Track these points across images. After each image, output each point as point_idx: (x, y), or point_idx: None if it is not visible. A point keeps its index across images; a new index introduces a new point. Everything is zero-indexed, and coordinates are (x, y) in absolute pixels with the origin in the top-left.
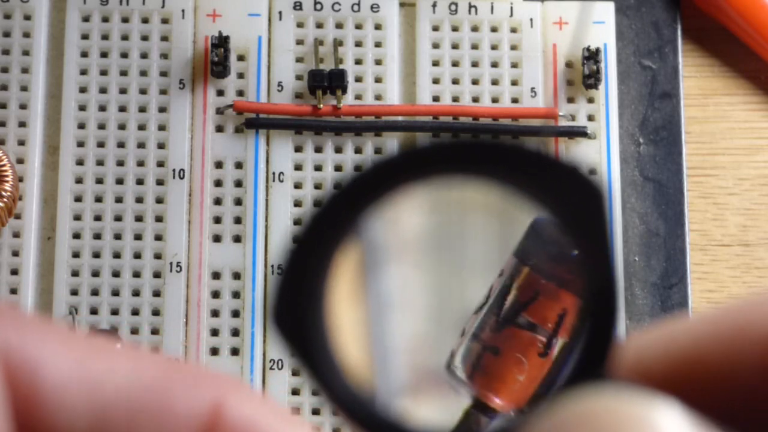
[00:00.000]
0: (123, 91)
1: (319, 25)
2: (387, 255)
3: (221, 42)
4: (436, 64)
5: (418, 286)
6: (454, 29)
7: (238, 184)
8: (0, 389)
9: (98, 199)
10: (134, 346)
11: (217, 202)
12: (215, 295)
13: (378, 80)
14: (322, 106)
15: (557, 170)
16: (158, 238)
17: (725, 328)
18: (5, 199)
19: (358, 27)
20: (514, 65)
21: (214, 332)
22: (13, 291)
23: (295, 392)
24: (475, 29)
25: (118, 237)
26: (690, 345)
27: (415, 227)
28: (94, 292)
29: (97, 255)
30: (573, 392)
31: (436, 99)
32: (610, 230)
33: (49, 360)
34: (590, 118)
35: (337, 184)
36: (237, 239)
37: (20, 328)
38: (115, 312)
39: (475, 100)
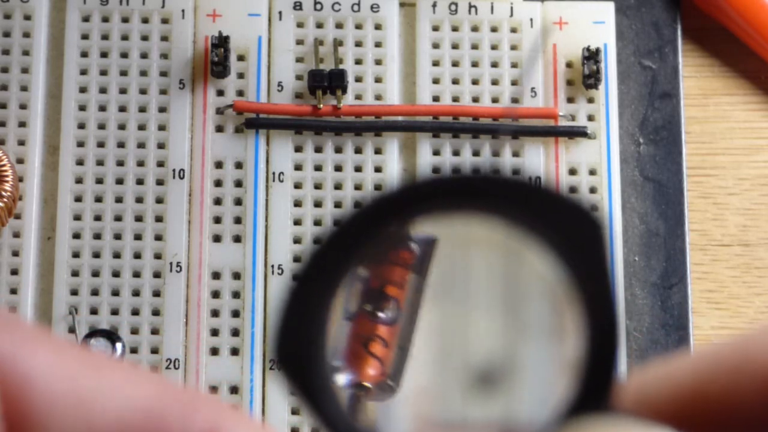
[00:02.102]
0: (123, 91)
1: (319, 25)
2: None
3: (221, 42)
4: (436, 64)
5: (421, 328)
6: (454, 29)
7: (238, 184)
8: None
9: (98, 199)
10: (130, 363)
11: (217, 202)
12: (215, 295)
13: (378, 80)
14: (322, 106)
15: (556, 203)
16: (158, 238)
17: (726, 361)
18: (5, 199)
19: (358, 27)
20: (514, 65)
21: (214, 332)
22: (13, 291)
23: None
24: (475, 29)
25: (118, 237)
26: (692, 379)
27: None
28: (94, 292)
29: (97, 255)
30: (575, 423)
31: (436, 99)
32: (610, 263)
33: (41, 374)
34: (590, 118)
35: (337, 221)
36: (237, 239)
37: (14, 339)
38: (115, 312)
39: (475, 100)
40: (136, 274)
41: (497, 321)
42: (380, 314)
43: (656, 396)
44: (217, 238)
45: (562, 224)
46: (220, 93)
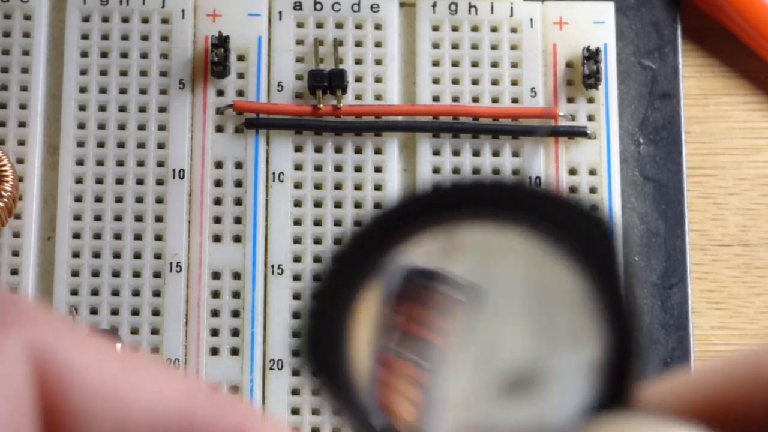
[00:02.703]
0: (123, 91)
1: (319, 25)
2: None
3: (221, 42)
4: (436, 64)
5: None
6: (454, 29)
7: (238, 184)
8: (33, 394)
9: (98, 199)
10: (164, 364)
11: (217, 202)
12: (215, 295)
13: (378, 80)
14: (322, 106)
15: (565, 208)
16: (158, 238)
17: (744, 369)
18: (5, 199)
19: (358, 27)
20: (514, 65)
21: (214, 332)
22: (13, 291)
23: (295, 392)
24: (475, 29)
25: (118, 237)
26: (712, 384)
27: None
28: (94, 292)
29: (97, 255)
30: (599, 419)
31: (436, 99)
32: (623, 262)
33: (82, 371)
34: (590, 118)
35: (360, 222)
36: (237, 239)
37: (56, 334)
38: (115, 312)
39: (475, 100)
40: (136, 274)
41: (524, 328)
42: (411, 356)
43: (677, 399)
44: (217, 238)
45: (574, 230)
46: (220, 93)
